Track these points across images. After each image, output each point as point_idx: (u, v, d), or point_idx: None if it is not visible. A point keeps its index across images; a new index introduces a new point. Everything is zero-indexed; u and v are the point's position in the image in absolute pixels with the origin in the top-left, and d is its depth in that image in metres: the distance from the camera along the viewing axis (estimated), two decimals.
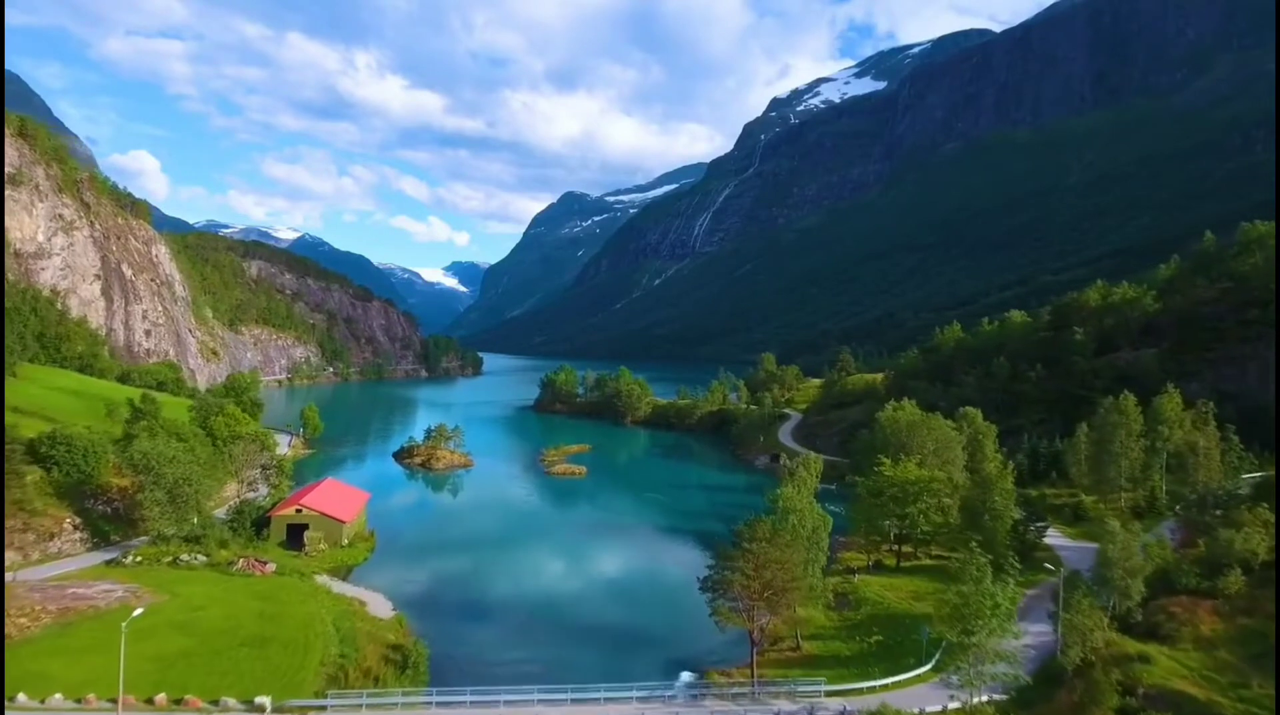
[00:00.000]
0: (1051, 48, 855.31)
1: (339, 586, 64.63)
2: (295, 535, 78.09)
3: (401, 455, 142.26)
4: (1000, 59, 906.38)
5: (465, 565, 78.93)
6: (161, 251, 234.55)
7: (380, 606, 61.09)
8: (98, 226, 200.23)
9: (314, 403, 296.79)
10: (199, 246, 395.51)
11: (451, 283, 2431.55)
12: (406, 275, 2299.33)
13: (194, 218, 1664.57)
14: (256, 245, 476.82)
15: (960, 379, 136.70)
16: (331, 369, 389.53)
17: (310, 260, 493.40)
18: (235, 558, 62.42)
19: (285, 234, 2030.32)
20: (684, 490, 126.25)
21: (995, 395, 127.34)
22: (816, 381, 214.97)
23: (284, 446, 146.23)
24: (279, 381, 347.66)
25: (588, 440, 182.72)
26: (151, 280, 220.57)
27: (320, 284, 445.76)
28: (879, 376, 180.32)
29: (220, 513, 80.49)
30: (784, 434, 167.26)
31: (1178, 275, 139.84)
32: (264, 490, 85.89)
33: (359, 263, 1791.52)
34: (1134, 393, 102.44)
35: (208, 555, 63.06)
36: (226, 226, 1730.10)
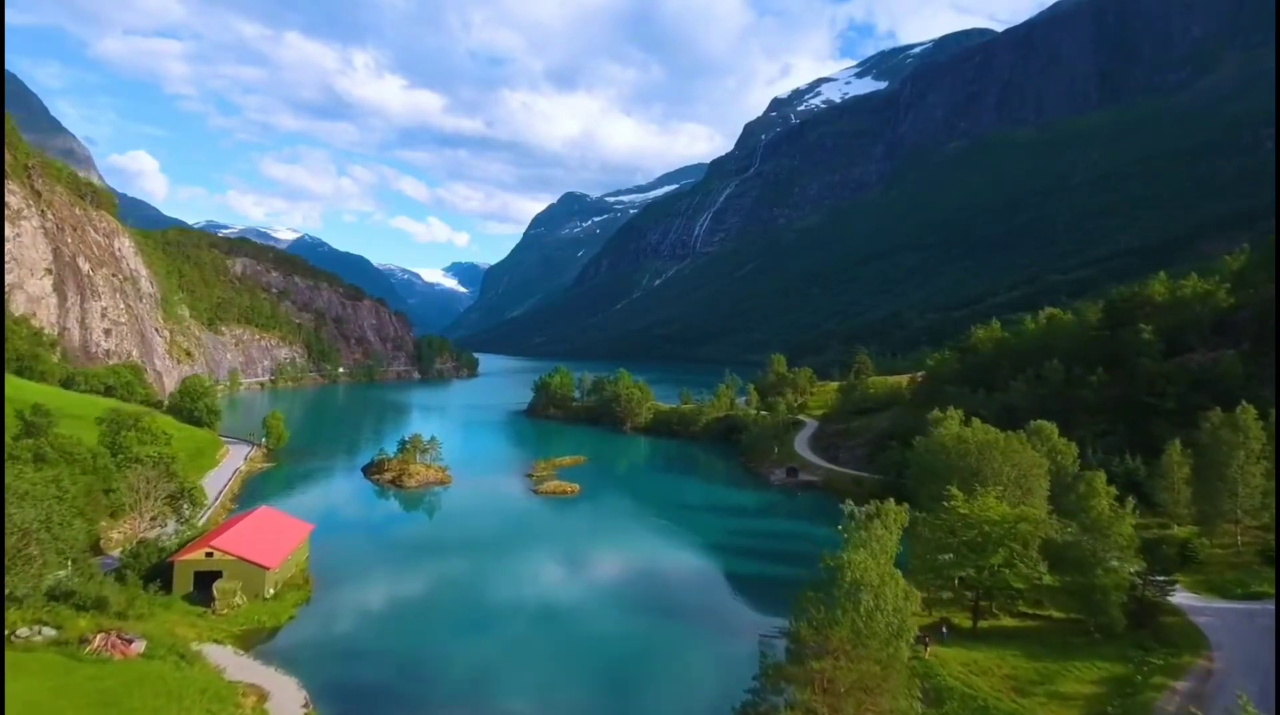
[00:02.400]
0: (1055, 46, 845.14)
1: (238, 667, 48.19)
2: (206, 585, 61.80)
3: (371, 470, 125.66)
4: (1003, 58, 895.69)
5: (419, 626, 61.94)
6: (125, 245, 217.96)
7: (287, 701, 44.68)
8: (50, 216, 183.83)
9: (296, 406, 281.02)
10: (180, 243, 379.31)
11: (451, 283, 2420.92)
12: (406, 276, 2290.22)
13: (193, 218, 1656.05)
14: (242, 242, 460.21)
15: (1004, 383, 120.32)
16: (318, 371, 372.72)
17: (298, 258, 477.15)
18: (90, 634, 46.01)
19: (285, 234, 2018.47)
20: (691, 512, 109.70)
21: (1047, 403, 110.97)
22: (832, 385, 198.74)
23: (239, 459, 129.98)
24: (261, 383, 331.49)
25: (583, 449, 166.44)
26: (113, 275, 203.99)
27: (309, 282, 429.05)
28: (903, 379, 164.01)
29: (113, 557, 64.26)
30: (800, 444, 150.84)
31: (1248, 266, 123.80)
32: (173, 526, 69.32)
33: (358, 263, 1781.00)
34: (1215, 400, 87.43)
35: (57, 627, 46.74)
36: (226, 227, 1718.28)
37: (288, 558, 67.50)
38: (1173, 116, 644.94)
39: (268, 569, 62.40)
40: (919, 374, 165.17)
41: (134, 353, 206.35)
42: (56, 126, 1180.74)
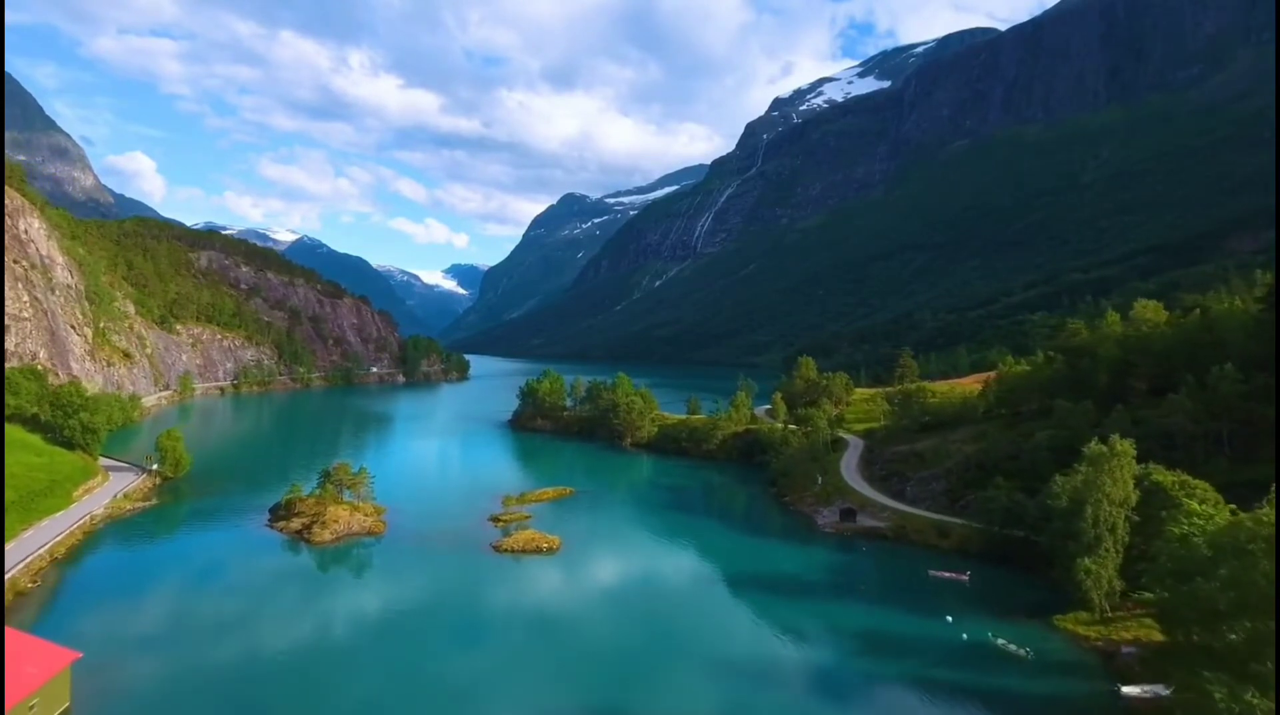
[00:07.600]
0: (1062, 43, 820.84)
1: None
2: None
3: (279, 513, 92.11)
4: (1009, 55, 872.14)
5: None
6: (35, 227, 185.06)
7: None
8: None
9: (252, 415, 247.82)
10: (137, 233, 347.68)
11: (450, 285, 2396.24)
12: (405, 277, 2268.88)
13: (191, 219, 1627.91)
14: (209, 234, 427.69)
15: (1142, 397, 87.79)
16: (289, 374, 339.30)
17: (272, 252, 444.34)
18: None
19: (284, 236, 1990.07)
20: (717, 588, 76.23)
21: (1218, 426, 78.73)
22: (870, 391, 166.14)
23: (103, 496, 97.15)
24: (221, 388, 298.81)
25: (573, 474, 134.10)
26: (15, 263, 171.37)
27: (283, 278, 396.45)
28: (973, 385, 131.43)
29: None
30: (848, 471, 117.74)
31: None
32: None
33: (357, 265, 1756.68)
34: None
35: None
36: (225, 228, 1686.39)
37: None
38: (1186, 113, 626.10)
39: None
40: (988, 376, 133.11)
41: (41, 354, 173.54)
42: (50, 125, 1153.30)
